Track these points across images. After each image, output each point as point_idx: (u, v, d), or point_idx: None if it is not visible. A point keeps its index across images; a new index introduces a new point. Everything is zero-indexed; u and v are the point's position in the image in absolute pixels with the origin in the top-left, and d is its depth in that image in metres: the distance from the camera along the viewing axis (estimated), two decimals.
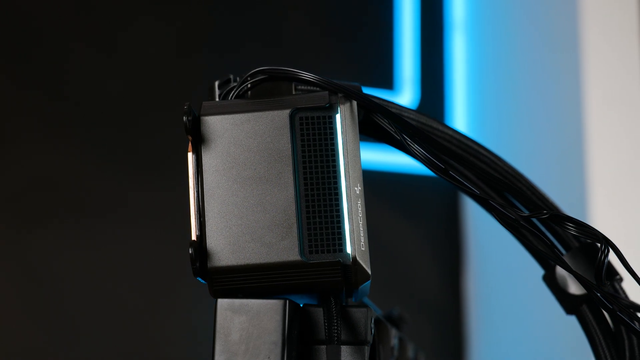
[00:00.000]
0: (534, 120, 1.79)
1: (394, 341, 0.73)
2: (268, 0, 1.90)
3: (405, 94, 1.90)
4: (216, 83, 0.63)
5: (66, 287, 1.69)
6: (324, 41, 1.92)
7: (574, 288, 0.66)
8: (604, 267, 0.56)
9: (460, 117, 1.92)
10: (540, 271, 1.71)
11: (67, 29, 1.78)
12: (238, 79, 0.63)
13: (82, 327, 1.69)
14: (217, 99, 0.63)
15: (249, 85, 0.61)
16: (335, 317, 0.56)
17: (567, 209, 0.66)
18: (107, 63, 1.79)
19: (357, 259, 0.56)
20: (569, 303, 0.66)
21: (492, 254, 1.89)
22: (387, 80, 1.92)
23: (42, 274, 1.69)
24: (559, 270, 0.66)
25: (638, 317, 0.57)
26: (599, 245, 0.56)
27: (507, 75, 1.89)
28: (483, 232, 1.91)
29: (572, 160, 1.64)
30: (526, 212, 0.60)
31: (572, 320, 1.57)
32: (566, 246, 0.66)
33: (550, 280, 0.67)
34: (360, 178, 0.58)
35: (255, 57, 1.86)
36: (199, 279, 0.57)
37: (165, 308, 1.75)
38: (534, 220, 0.62)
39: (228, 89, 0.62)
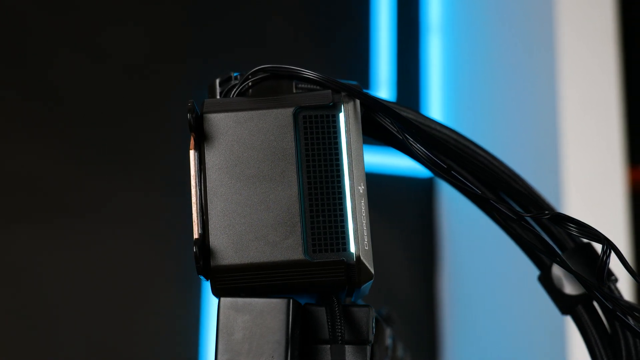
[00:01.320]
0: (509, 122, 1.79)
1: (389, 341, 0.72)
2: (248, 4, 1.90)
3: (381, 94, 1.90)
4: (217, 80, 0.63)
5: (47, 286, 1.68)
6: (301, 42, 1.92)
7: (570, 288, 0.66)
8: (606, 268, 0.56)
9: (436, 117, 1.93)
10: (514, 272, 1.73)
11: (50, 30, 1.77)
12: (239, 76, 0.62)
13: (63, 326, 1.68)
14: (218, 97, 0.62)
15: (249, 84, 0.61)
16: (338, 317, 0.56)
17: None
18: (90, 64, 1.78)
19: (361, 258, 0.56)
20: (564, 303, 0.66)
21: (467, 254, 1.90)
22: (363, 80, 1.92)
23: (23, 273, 1.67)
24: (555, 270, 0.66)
25: (638, 317, 0.58)
26: (602, 246, 0.56)
27: (483, 77, 1.89)
28: (458, 233, 1.92)
29: (547, 161, 1.65)
30: (523, 213, 0.60)
31: (546, 319, 1.58)
32: (561, 247, 0.66)
33: (546, 281, 0.67)
34: (364, 177, 0.58)
35: (236, 59, 1.86)
36: (202, 278, 0.57)
37: (146, 307, 1.74)
38: (529, 219, 0.62)
39: (229, 86, 0.61)
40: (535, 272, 1.59)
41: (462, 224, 1.91)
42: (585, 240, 0.66)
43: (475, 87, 1.91)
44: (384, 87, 1.91)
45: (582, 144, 1.65)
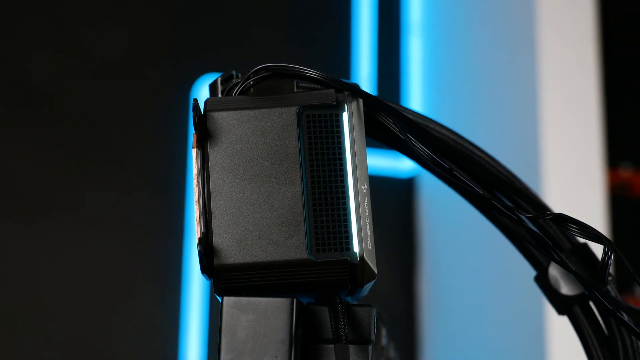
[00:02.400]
0: (490, 123, 1.80)
1: (384, 340, 0.72)
2: (230, 4, 1.89)
3: None
4: (219, 79, 0.62)
5: (29, 285, 1.67)
6: (283, 41, 1.92)
7: (566, 289, 0.66)
8: (608, 268, 0.56)
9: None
10: (493, 272, 1.73)
11: (30, 29, 1.76)
12: (240, 75, 0.62)
13: (44, 324, 1.66)
14: (220, 95, 0.62)
15: (251, 83, 0.60)
16: (342, 316, 0.56)
17: None
18: (67, 65, 1.77)
19: (365, 258, 0.56)
20: (561, 304, 0.66)
21: (446, 254, 1.90)
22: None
23: (3, 272, 1.66)
24: (551, 271, 0.66)
25: (637, 318, 0.58)
26: (603, 247, 0.56)
27: (463, 77, 1.90)
28: (437, 233, 1.92)
29: (528, 163, 1.66)
30: (524, 213, 0.60)
31: (526, 319, 1.59)
32: (558, 247, 0.66)
33: (542, 281, 0.67)
34: (367, 177, 0.57)
35: (217, 59, 1.86)
36: (205, 277, 0.56)
37: (126, 306, 1.73)
38: (527, 219, 0.62)
39: (231, 85, 0.61)
40: (515, 272, 1.61)
41: (442, 224, 1.91)
42: (581, 241, 0.66)
43: (455, 87, 1.92)
44: (364, 86, 1.91)
45: (562, 146, 1.66)
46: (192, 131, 1.76)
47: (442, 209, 1.91)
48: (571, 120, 1.68)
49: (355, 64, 1.93)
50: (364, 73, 1.91)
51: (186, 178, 1.81)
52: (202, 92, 1.85)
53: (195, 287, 1.77)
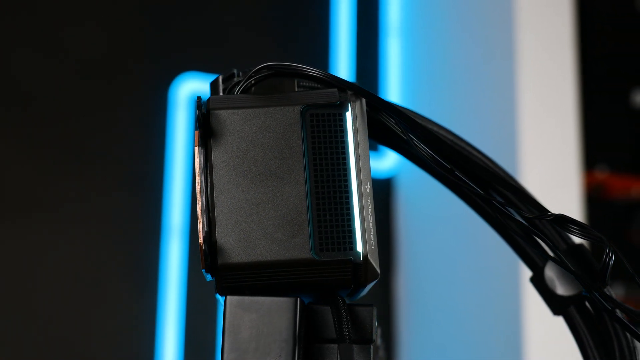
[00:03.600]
0: (467, 125, 1.81)
1: (379, 340, 0.72)
2: (208, 4, 1.89)
3: None
4: (220, 77, 0.62)
5: (3, 284, 1.66)
6: (262, 42, 1.92)
7: (562, 289, 0.66)
8: (609, 269, 0.57)
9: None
10: (470, 272, 1.73)
11: (7, 29, 1.75)
12: (241, 74, 0.62)
13: (19, 323, 1.65)
14: (221, 94, 0.61)
15: (252, 82, 0.60)
16: (345, 316, 0.55)
17: None
18: (46, 64, 1.76)
19: (368, 257, 0.56)
20: (556, 304, 0.66)
21: (423, 254, 1.91)
22: None
23: None
24: (547, 271, 0.67)
25: (637, 319, 0.58)
26: (605, 248, 0.56)
27: (441, 79, 1.91)
28: (414, 233, 1.93)
29: (505, 165, 1.66)
30: (526, 214, 0.61)
31: (503, 319, 1.59)
32: (553, 248, 0.66)
33: (538, 282, 0.67)
34: (370, 176, 0.57)
35: (194, 58, 1.86)
36: (208, 276, 0.56)
37: (102, 305, 1.72)
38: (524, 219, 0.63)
39: (233, 83, 0.61)
40: (492, 271, 1.61)
41: (420, 224, 1.92)
42: (576, 242, 0.66)
43: (433, 89, 1.92)
44: None
45: (539, 148, 1.67)
46: (171, 130, 1.75)
47: (420, 209, 1.92)
48: (548, 122, 1.69)
49: (334, 65, 1.93)
50: (343, 74, 1.92)
51: (164, 177, 1.81)
52: (181, 91, 1.84)
53: (172, 286, 1.77)
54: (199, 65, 1.86)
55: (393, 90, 1.96)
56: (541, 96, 1.69)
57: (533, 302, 1.57)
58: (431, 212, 1.87)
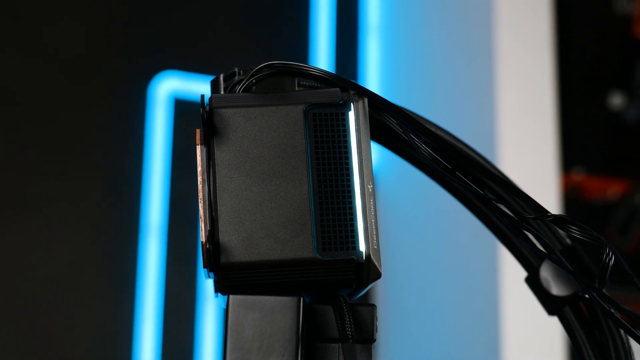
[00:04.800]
0: (446, 124, 1.81)
1: None
2: (188, 3, 1.88)
3: None
4: (221, 76, 0.62)
5: None
6: (240, 41, 1.91)
7: (557, 290, 0.67)
8: (609, 270, 0.57)
9: None
10: (447, 272, 1.74)
11: None
12: (242, 72, 0.62)
13: None
14: (222, 92, 0.61)
15: (253, 81, 0.60)
16: (347, 315, 0.56)
17: None
18: (24, 63, 1.75)
19: (371, 257, 0.56)
20: (551, 304, 0.67)
21: (401, 253, 1.91)
22: None
23: None
24: (543, 272, 0.67)
25: (637, 320, 0.59)
26: (605, 248, 0.57)
27: (420, 79, 1.91)
28: (392, 232, 1.93)
29: None
30: (526, 215, 0.61)
31: (481, 319, 1.60)
32: (548, 248, 0.67)
33: (533, 282, 0.68)
34: (372, 176, 0.58)
35: (175, 57, 1.85)
36: (211, 275, 0.56)
37: (79, 306, 1.71)
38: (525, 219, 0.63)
39: (234, 82, 0.61)
40: (470, 271, 1.61)
41: (397, 223, 1.92)
42: (570, 243, 0.67)
43: (412, 89, 1.93)
44: None
45: (517, 149, 1.68)
46: (150, 129, 1.75)
47: (399, 208, 1.92)
48: (526, 124, 1.70)
49: (313, 64, 1.93)
50: None
51: (142, 176, 1.80)
52: (160, 89, 1.83)
53: (151, 285, 1.76)
54: (178, 64, 1.85)
55: (372, 90, 1.97)
56: (520, 97, 1.70)
57: (511, 301, 1.58)
58: (410, 211, 1.88)
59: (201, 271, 1.78)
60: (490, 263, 1.62)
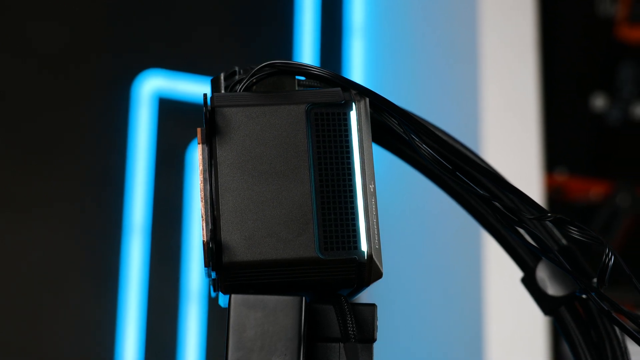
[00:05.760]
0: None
1: None
2: (172, 2, 1.88)
3: None
4: (222, 75, 0.61)
5: None
6: (225, 41, 1.91)
7: (553, 290, 0.67)
8: (608, 270, 0.57)
9: None
10: (428, 272, 1.73)
11: None
12: (242, 71, 0.61)
13: None
14: (222, 91, 0.61)
15: (254, 80, 0.60)
16: (349, 315, 0.56)
17: None
18: (7, 60, 1.74)
19: (373, 257, 0.56)
20: (547, 304, 0.67)
21: (383, 251, 1.91)
22: None
23: None
24: (539, 272, 0.67)
25: (637, 321, 0.59)
26: (605, 249, 0.57)
27: (405, 80, 1.91)
28: None
29: None
30: (526, 215, 0.61)
31: (464, 320, 1.60)
32: (544, 249, 0.67)
33: (529, 282, 0.68)
34: (374, 176, 0.58)
35: (159, 56, 1.84)
36: (212, 274, 0.56)
37: (60, 303, 1.70)
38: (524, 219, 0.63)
39: (235, 81, 0.60)
40: (451, 272, 1.61)
41: (381, 222, 1.92)
42: (566, 243, 0.67)
43: (396, 90, 1.93)
44: None
45: (501, 149, 1.68)
46: (133, 128, 1.74)
47: (381, 207, 1.92)
48: (510, 124, 1.70)
49: None
50: None
51: (126, 175, 1.79)
52: (143, 88, 1.83)
53: (133, 284, 1.75)
54: (162, 63, 1.85)
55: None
56: (504, 98, 1.70)
57: (495, 302, 1.59)
58: (393, 211, 1.88)
59: (184, 270, 1.78)
60: (474, 264, 1.62)
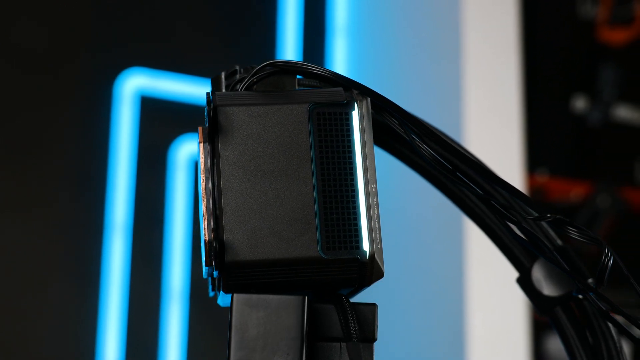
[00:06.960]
0: None
1: None
2: (155, 2, 1.87)
3: None
4: (222, 74, 0.61)
5: None
6: (207, 41, 1.91)
7: (549, 290, 0.67)
8: (607, 270, 0.58)
9: None
10: (411, 271, 1.74)
11: None
12: (243, 70, 0.61)
13: None
14: (223, 90, 0.61)
15: (254, 79, 0.60)
16: (350, 314, 0.56)
17: None
18: None
19: (375, 256, 0.56)
20: (543, 304, 0.67)
21: None
22: None
23: None
24: (535, 272, 0.68)
25: (636, 322, 0.59)
26: (605, 249, 0.57)
27: (388, 80, 1.92)
28: None
29: None
30: (525, 215, 0.62)
31: (446, 318, 1.60)
32: (540, 249, 0.67)
33: (525, 283, 0.68)
34: (375, 175, 0.58)
35: (140, 54, 1.84)
36: (214, 274, 0.55)
37: (41, 302, 1.70)
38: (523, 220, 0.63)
39: (236, 80, 0.60)
40: (435, 272, 1.62)
41: None
42: (561, 243, 0.68)
43: (379, 89, 1.93)
44: None
45: (483, 149, 1.69)
46: (115, 126, 1.73)
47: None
48: (492, 125, 1.71)
49: None
50: None
51: (107, 174, 1.79)
52: (125, 86, 1.82)
53: (115, 284, 1.75)
54: (144, 61, 1.84)
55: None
56: (486, 99, 1.71)
57: (477, 302, 1.60)
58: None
59: (166, 269, 1.77)
60: (456, 264, 1.63)
